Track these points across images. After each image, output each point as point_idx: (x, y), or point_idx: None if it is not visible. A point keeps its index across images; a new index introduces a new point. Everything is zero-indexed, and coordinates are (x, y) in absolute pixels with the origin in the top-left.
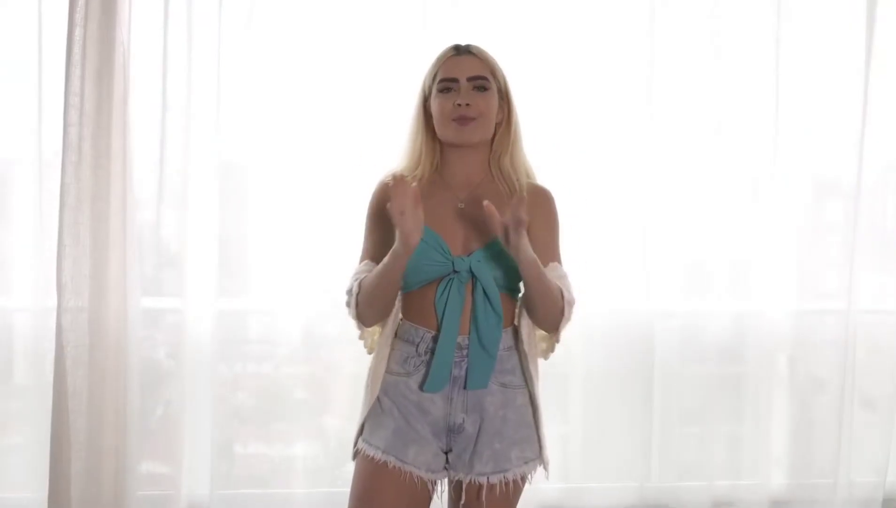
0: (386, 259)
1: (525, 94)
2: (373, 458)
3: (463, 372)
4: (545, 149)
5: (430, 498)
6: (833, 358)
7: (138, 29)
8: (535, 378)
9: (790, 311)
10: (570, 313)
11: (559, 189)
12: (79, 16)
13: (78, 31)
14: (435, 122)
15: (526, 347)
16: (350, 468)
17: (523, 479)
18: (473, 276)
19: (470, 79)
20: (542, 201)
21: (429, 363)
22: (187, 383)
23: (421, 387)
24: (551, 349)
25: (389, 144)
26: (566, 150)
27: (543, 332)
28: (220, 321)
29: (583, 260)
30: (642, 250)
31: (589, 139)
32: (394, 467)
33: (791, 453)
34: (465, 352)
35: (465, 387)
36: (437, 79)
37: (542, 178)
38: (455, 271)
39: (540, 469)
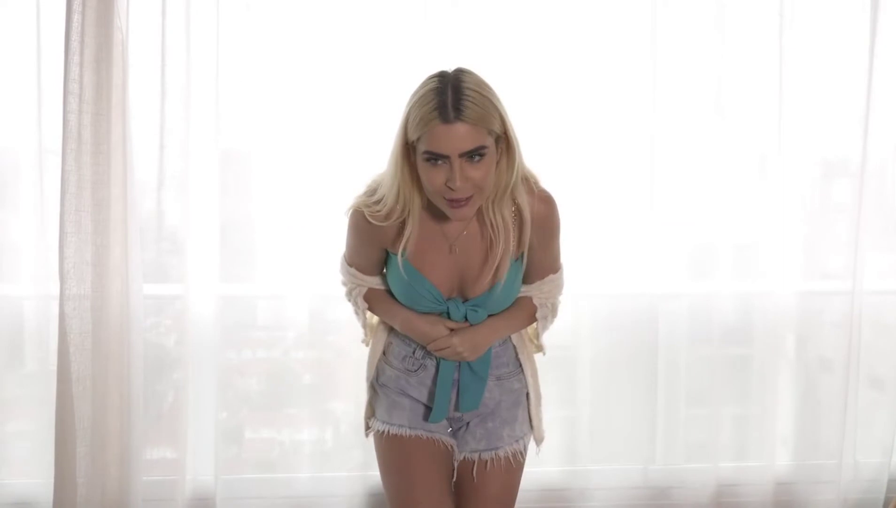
0: (387, 316)
1: (530, 81)
2: (400, 436)
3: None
4: (550, 134)
5: (450, 459)
6: (839, 338)
7: (136, 15)
8: (527, 367)
9: (796, 291)
10: (545, 321)
11: (564, 174)
12: (76, 2)
13: (76, 18)
14: (423, 186)
15: (515, 341)
16: (358, 453)
17: (515, 456)
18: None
19: (463, 154)
20: (546, 221)
21: (426, 366)
22: (191, 368)
23: (425, 419)
24: (540, 349)
25: (390, 130)
26: (571, 134)
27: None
28: (225, 306)
29: (588, 243)
30: (648, 232)
31: (594, 123)
32: (426, 438)
33: (797, 434)
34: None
35: (456, 409)
36: (423, 147)
37: (546, 165)
38: (449, 314)
39: (532, 443)
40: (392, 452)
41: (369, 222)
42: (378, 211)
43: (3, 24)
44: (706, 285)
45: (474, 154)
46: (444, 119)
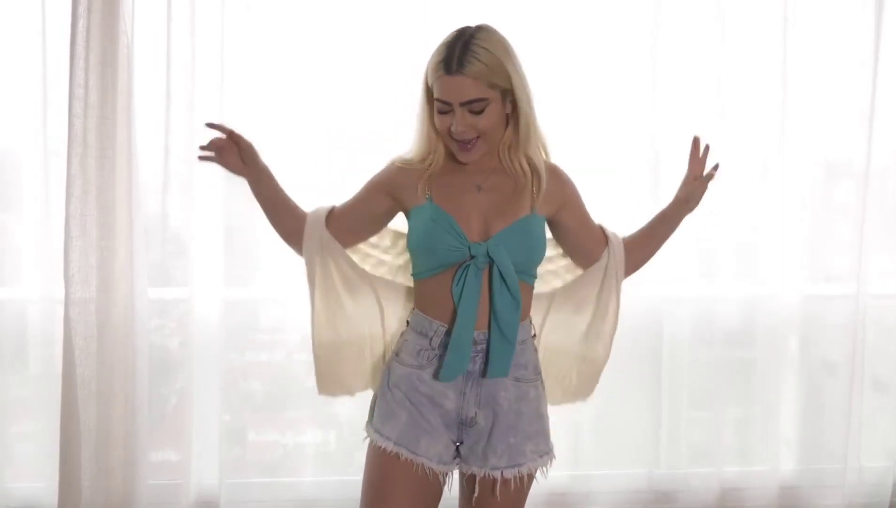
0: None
1: (530, 81)
2: (384, 449)
3: (477, 367)
4: (550, 134)
5: (441, 490)
6: (843, 341)
7: (141, 19)
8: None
9: (800, 294)
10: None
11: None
12: (82, 7)
13: (81, 23)
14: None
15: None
16: (360, 456)
17: (537, 471)
18: (490, 261)
19: (463, 103)
20: (566, 180)
21: (441, 357)
22: (196, 371)
23: (435, 377)
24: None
25: (394, 130)
26: (572, 135)
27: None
28: (229, 309)
29: None
30: None
31: (594, 123)
32: (405, 459)
33: (801, 437)
34: (479, 347)
35: (483, 376)
36: (434, 94)
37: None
38: (471, 257)
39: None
40: (372, 464)
41: (399, 169)
42: (410, 161)
43: (8, 28)
44: (709, 288)
45: (475, 105)
46: (448, 71)
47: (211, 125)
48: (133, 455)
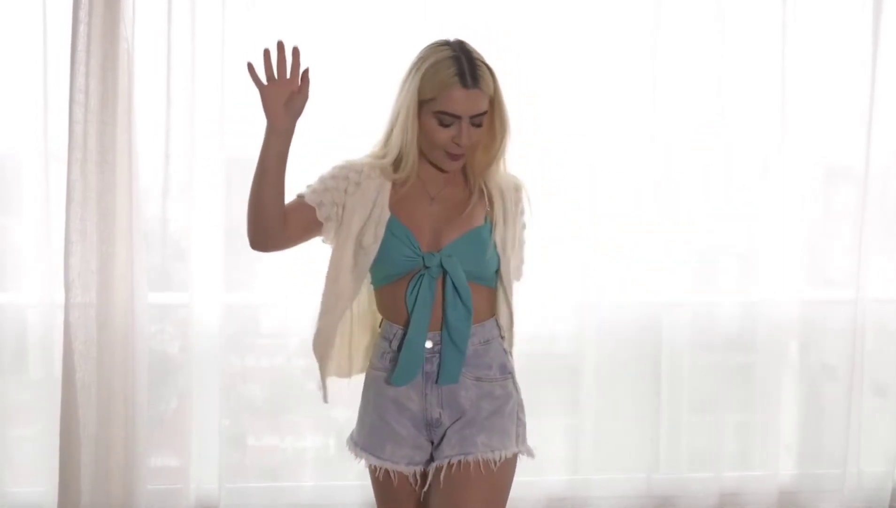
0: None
1: (531, 83)
2: (356, 457)
3: (435, 368)
4: (550, 137)
5: (413, 491)
6: (843, 345)
7: (142, 25)
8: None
9: (800, 298)
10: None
11: (563, 180)
12: (83, 13)
13: (82, 29)
14: (422, 141)
15: (506, 338)
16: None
17: (486, 465)
18: (444, 271)
19: (472, 116)
20: (520, 197)
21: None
22: (195, 376)
23: (387, 381)
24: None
25: None
26: (571, 140)
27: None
28: (229, 313)
29: (590, 251)
30: (650, 239)
31: (594, 129)
32: (371, 466)
33: (800, 442)
34: (437, 348)
35: (436, 382)
36: (437, 106)
37: (546, 170)
38: (426, 267)
39: (523, 458)
40: (374, 477)
41: (361, 173)
42: (379, 165)
43: (10, 33)
44: (709, 293)
45: (479, 118)
46: (464, 84)
47: (295, 51)
48: (133, 459)
